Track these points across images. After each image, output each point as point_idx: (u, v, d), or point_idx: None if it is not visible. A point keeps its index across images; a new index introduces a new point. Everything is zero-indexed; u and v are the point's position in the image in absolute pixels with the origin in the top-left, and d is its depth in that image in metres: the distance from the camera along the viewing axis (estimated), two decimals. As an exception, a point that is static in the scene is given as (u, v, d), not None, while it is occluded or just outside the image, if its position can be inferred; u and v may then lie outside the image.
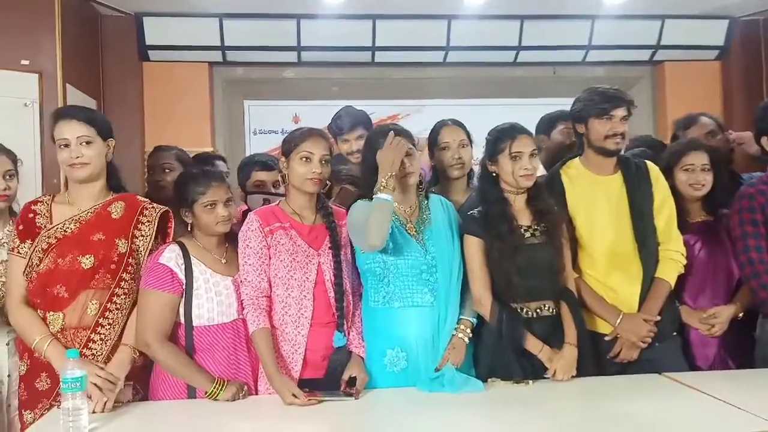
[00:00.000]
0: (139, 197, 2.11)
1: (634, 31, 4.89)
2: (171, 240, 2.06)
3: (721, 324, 2.21)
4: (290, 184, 2.03)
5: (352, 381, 1.92)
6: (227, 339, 1.98)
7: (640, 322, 2.10)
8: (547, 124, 2.83)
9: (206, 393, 1.88)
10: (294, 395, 1.80)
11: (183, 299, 1.94)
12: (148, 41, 4.56)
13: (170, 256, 1.95)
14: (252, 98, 5.03)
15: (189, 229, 2.03)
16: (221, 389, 1.87)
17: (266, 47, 4.69)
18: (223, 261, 2.03)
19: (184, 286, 1.94)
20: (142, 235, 2.03)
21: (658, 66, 5.17)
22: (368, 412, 1.80)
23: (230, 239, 2.06)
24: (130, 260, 1.98)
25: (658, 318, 2.11)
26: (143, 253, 2.03)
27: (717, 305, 2.25)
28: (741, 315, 2.24)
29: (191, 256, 1.97)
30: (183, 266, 1.95)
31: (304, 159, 1.98)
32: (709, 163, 2.32)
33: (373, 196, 1.92)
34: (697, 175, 2.31)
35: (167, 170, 2.66)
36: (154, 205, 2.09)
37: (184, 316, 1.94)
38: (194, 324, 1.94)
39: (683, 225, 2.27)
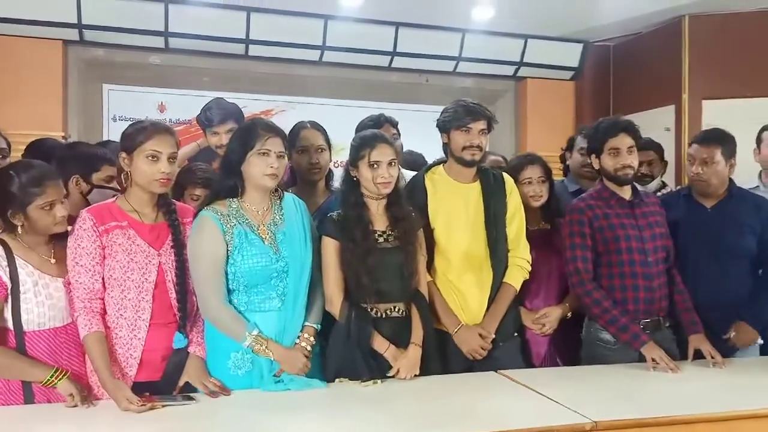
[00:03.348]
0: None
1: (500, 47, 5.18)
2: None
3: (551, 323, 2.39)
4: (133, 181, 1.92)
5: (188, 386, 1.87)
6: (61, 344, 1.85)
7: (474, 335, 2.21)
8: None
9: (43, 382, 1.75)
10: (129, 401, 1.71)
11: (10, 304, 1.78)
12: (-8, 12, 4.11)
13: None
14: (113, 82, 4.69)
15: (11, 228, 1.84)
16: (60, 378, 1.75)
17: (130, 30, 4.41)
18: (52, 261, 1.89)
19: (9, 290, 1.78)
20: None
21: (521, 82, 5.52)
22: (209, 415, 1.76)
23: (57, 237, 1.91)
24: None
25: (494, 336, 2.23)
26: None
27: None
28: (569, 315, 2.43)
29: (15, 257, 1.81)
30: (7, 269, 1.78)
31: (150, 158, 1.88)
32: (544, 175, 2.51)
33: (243, 337, 1.87)
34: (534, 187, 2.49)
35: (2, 156, 2.49)
36: None
37: (13, 322, 1.79)
38: (24, 329, 1.79)
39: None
